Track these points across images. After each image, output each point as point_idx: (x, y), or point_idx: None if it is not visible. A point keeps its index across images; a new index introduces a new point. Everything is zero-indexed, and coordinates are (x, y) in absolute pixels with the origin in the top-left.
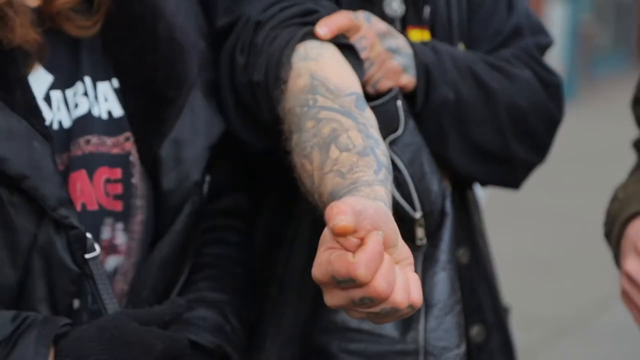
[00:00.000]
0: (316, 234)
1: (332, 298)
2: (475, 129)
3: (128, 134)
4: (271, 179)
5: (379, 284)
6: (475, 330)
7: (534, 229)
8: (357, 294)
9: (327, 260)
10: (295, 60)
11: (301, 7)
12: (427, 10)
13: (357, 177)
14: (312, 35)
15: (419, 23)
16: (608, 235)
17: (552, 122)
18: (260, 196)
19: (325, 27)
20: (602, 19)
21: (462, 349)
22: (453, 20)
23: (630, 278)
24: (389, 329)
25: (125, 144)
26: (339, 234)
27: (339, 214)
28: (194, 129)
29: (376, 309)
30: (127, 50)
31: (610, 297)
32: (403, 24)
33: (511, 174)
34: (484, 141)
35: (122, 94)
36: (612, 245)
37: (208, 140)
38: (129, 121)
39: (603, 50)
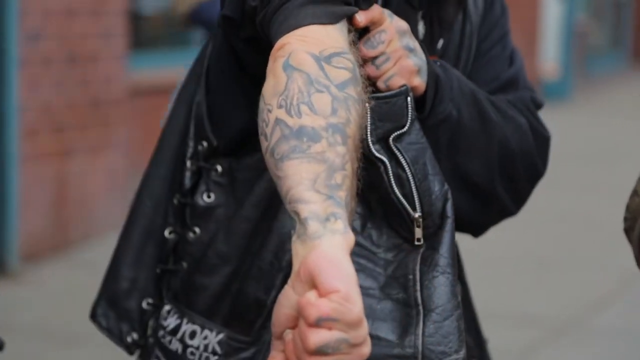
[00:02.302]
0: None
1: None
2: (467, 155)
3: None
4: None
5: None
6: None
7: (529, 228)
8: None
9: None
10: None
11: None
12: (440, 42)
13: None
14: (351, 18)
15: (432, 52)
16: (628, 230)
17: (535, 174)
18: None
19: (363, 15)
20: (598, 18)
21: (462, 354)
22: (461, 59)
23: None
24: (387, 332)
25: None
26: None
27: None
28: None
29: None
30: None
31: (608, 297)
32: None
33: (487, 214)
34: (472, 170)
35: None
36: (632, 242)
37: None
38: None
39: (599, 49)
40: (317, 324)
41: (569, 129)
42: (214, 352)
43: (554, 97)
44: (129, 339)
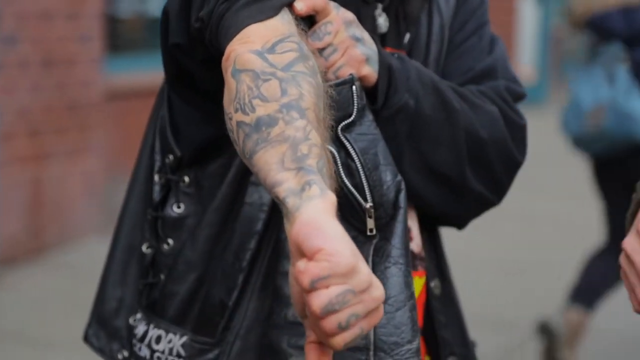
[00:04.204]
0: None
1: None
2: (431, 146)
3: None
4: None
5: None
6: None
7: (505, 231)
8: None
9: None
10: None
11: None
12: (407, 36)
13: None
14: (290, 7)
15: (398, 46)
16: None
17: (511, 162)
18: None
19: (302, 3)
20: None
21: (415, 344)
22: (431, 52)
23: (626, 254)
24: None
25: None
26: None
27: None
28: None
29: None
30: None
31: None
32: (382, 43)
33: (463, 205)
34: (439, 161)
35: None
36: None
37: None
38: None
39: (575, 54)
40: (312, 287)
41: (545, 132)
42: (179, 355)
43: (531, 101)
44: (119, 357)
